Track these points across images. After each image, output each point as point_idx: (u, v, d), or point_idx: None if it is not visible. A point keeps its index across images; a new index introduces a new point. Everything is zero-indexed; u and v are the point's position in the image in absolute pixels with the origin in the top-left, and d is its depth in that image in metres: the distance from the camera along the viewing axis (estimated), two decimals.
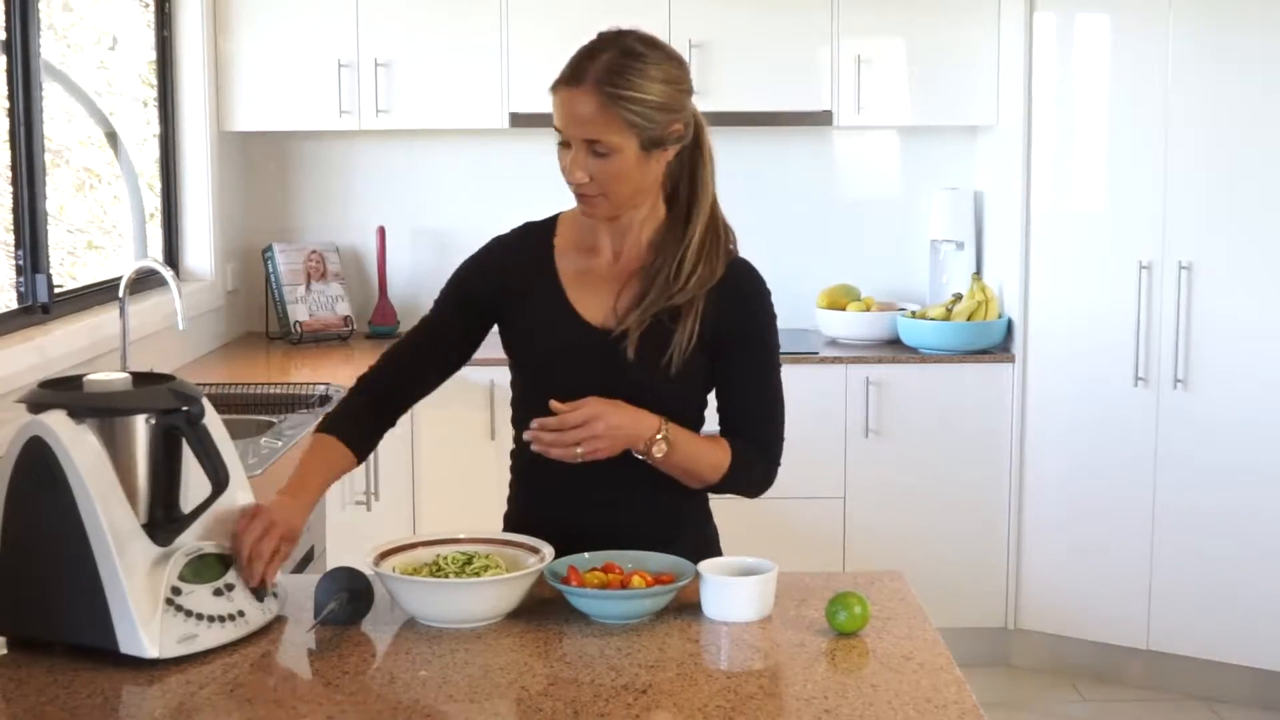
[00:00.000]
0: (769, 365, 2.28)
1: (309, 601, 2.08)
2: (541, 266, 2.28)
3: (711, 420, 2.32)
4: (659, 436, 2.14)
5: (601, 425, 2.11)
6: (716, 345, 2.22)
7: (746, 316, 2.25)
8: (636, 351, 2.18)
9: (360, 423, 2.31)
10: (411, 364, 2.34)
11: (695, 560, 2.11)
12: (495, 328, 2.33)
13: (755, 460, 2.27)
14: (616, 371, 2.17)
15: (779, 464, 2.32)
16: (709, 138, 2.24)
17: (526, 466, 2.33)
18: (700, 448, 2.22)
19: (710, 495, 2.34)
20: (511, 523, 2.36)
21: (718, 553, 2.34)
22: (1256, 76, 4.17)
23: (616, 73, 2.09)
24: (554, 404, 2.12)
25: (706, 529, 2.40)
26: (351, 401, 2.34)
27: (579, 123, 2.11)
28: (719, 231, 2.26)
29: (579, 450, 2.10)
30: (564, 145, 2.16)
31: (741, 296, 2.25)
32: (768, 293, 2.28)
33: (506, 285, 2.29)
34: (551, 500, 2.29)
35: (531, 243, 2.31)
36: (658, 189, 2.22)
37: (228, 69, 4.73)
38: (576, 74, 2.12)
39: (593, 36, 2.17)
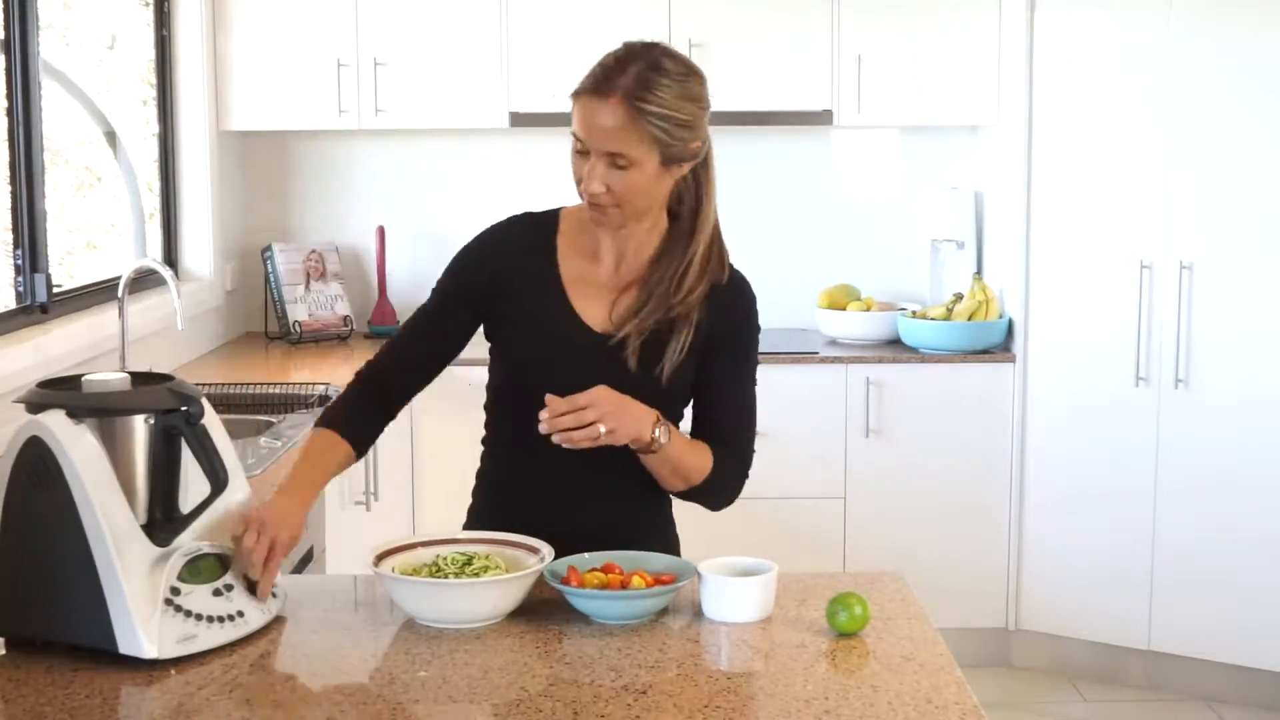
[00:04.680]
0: (750, 377, 2.30)
1: (309, 602, 2.07)
2: (543, 263, 2.26)
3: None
4: (660, 428, 2.15)
5: (612, 404, 2.10)
6: (704, 353, 2.24)
7: (735, 327, 2.27)
8: (639, 356, 2.19)
9: (359, 417, 2.31)
10: (411, 356, 2.34)
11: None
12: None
13: (732, 469, 2.28)
14: (613, 377, 2.16)
15: (747, 475, 2.34)
16: (713, 156, 2.25)
17: (493, 466, 2.37)
18: (689, 446, 2.23)
19: (678, 501, 2.34)
20: (474, 519, 2.38)
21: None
22: (1257, 76, 4.17)
23: (645, 87, 2.08)
24: (550, 396, 2.09)
25: (668, 533, 2.39)
26: (351, 395, 2.34)
27: (602, 134, 2.08)
28: (719, 249, 2.26)
29: (601, 429, 2.08)
30: (581, 153, 2.13)
31: (732, 307, 2.26)
32: (756, 305, 2.30)
33: (504, 277, 2.27)
34: (515, 500, 2.31)
35: (534, 237, 2.28)
36: (664, 203, 2.22)
37: (227, 68, 4.73)
38: (604, 85, 2.08)
39: (618, 46, 2.15)
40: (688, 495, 2.28)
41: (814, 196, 5.15)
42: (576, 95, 2.11)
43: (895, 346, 4.75)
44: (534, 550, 2.14)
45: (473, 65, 4.72)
